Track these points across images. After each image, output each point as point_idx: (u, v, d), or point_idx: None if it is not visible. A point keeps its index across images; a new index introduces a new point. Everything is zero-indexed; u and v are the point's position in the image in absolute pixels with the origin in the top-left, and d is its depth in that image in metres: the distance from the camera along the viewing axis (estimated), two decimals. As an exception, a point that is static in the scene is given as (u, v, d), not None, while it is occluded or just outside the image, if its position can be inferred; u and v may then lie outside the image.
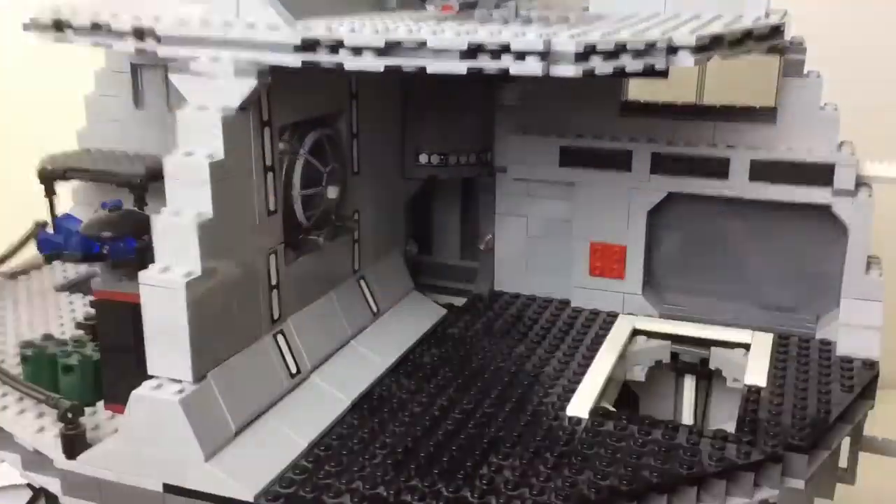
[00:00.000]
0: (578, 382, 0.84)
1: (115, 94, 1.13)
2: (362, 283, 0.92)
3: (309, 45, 0.68)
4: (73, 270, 1.13)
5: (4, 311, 1.00)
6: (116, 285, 0.74)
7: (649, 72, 0.74)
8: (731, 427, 0.77)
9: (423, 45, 0.67)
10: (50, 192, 1.15)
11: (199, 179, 0.66)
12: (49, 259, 0.83)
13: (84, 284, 1.11)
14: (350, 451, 0.72)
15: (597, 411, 0.79)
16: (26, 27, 0.82)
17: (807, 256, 0.94)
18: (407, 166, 0.99)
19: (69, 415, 0.71)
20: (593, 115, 0.97)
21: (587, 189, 0.98)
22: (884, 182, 0.89)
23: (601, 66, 0.69)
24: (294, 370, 0.78)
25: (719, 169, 0.93)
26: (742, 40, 0.80)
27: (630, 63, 0.71)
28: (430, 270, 1.10)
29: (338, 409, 0.77)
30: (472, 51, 0.67)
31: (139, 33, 0.74)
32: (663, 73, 0.88)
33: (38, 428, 0.75)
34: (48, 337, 0.83)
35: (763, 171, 0.91)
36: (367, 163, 0.91)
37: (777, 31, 0.84)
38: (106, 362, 0.77)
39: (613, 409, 0.82)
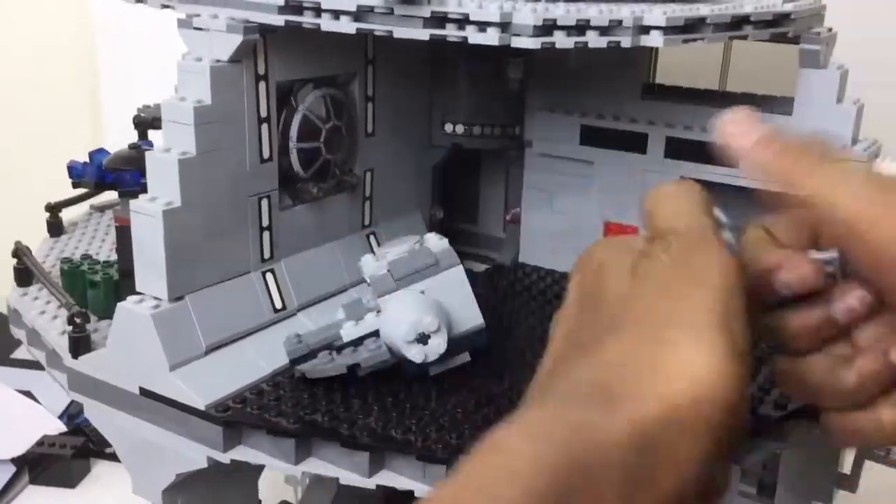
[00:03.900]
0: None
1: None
2: (372, 238, 0.98)
3: (295, 7, 0.75)
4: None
5: (82, 237, 1.13)
6: (132, 213, 0.84)
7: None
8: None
9: (391, 11, 0.72)
10: (143, 138, 1.29)
11: (186, 121, 0.75)
12: (75, 185, 0.95)
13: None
14: (313, 384, 0.78)
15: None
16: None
17: (818, 253, 0.92)
18: (434, 133, 1.04)
19: (76, 319, 0.82)
20: (616, 95, 0.99)
21: (604, 168, 1.00)
22: (892, 181, 0.85)
23: (562, 41, 0.72)
24: (279, 306, 0.85)
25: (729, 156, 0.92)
26: (737, 24, 0.80)
27: (595, 40, 0.73)
28: (467, 238, 1.14)
29: (314, 346, 0.84)
30: (439, 19, 0.72)
31: (168, -8, 0.83)
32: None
33: (61, 331, 0.87)
34: (86, 256, 0.95)
35: (772, 161, 0.90)
36: (385, 126, 0.97)
37: (785, 18, 0.83)
38: (124, 281, 0.87)
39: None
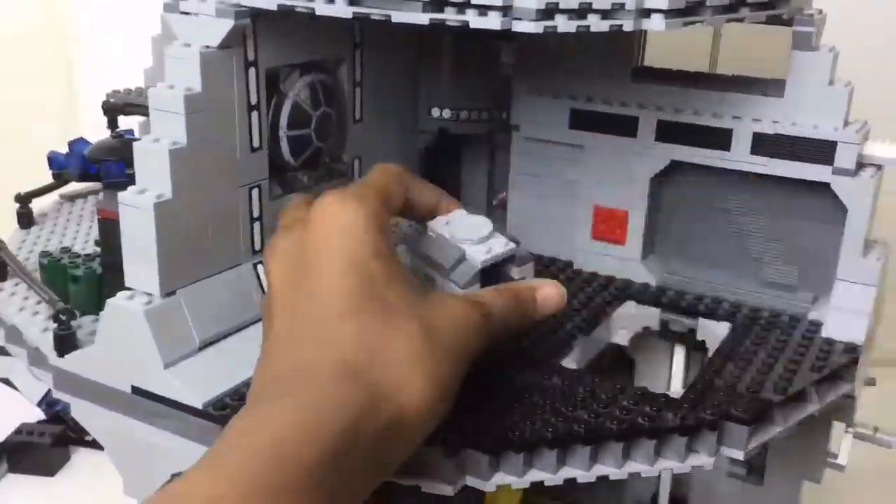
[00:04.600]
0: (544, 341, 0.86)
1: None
2: (361, 226, 0.96)
3: (287, -9, 0.72)
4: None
5: (54, 229, 1.09)
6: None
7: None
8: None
9: (389, -5, 0.70)
10: (113, 125, 1.25)
11: (176, 110, 0.72)
12: (55, 177, 0.92)
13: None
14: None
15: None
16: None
17: (809, 236, 0.92)
18: (420, 119, 1.02)
19: (62, 316, 0.79)
20: (605, 79, 0.98)
21: (594, 152, 0.99)
22: (884, 163, 0.86)
23: (564, 25, 0.71)
24: (271, 298, 0.83)
25: (722, 140, 0.92)
26: (734, 6, 0.79)
27: (596, 23, 0.72)
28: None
29: (308, 339, 0.82)
30: (438, 3, 0.70)
31: (151, -25, 0.80)
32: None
33: (43, 328, 0.84)
34: (66, 250, 0.92)
35: (764, 144, 0.90)
36: (372, 112, 0.95)
37: None
38: (107, 275, 0.84)
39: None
